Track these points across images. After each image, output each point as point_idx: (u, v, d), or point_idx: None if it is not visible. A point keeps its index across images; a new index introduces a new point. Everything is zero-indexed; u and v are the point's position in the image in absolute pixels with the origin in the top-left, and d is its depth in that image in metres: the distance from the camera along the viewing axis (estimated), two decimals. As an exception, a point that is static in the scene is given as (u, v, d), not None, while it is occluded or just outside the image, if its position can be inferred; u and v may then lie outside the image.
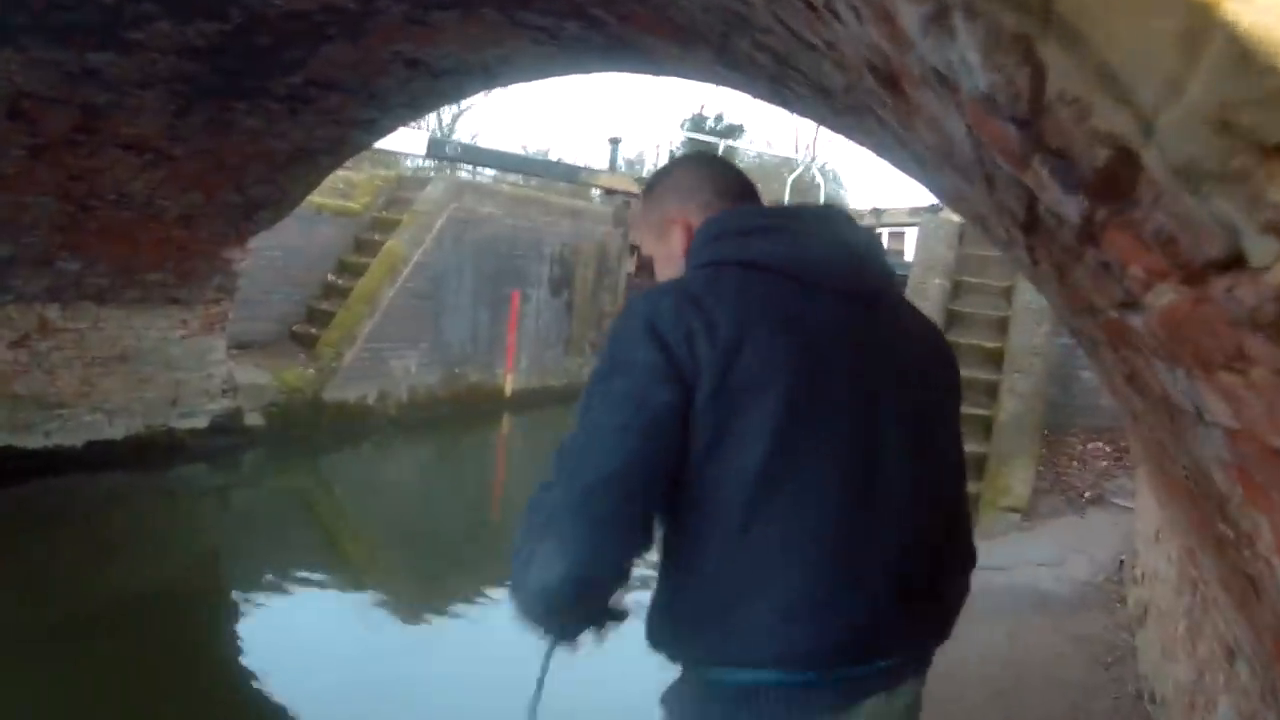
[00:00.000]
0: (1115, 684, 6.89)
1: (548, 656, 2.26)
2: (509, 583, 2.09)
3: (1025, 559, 9.49)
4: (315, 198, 14.60)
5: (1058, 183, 1.41)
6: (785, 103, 5.89)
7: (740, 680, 2.07)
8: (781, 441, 2.01)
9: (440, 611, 9.54)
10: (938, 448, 2.31)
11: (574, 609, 2.09)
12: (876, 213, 23.06)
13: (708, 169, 2.56)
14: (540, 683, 2.31)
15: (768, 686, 2.05)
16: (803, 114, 6.26)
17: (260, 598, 9.35)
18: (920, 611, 2.22)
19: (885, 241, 22.67)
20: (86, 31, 7.49)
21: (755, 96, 6.67)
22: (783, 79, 4.59)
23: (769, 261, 2.19)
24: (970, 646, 7.13)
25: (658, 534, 2.08)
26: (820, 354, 2.09)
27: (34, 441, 11.46)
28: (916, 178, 4.38)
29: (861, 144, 5.55)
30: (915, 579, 2.17)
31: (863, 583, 2.07)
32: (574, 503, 1.95)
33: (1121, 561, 9.20)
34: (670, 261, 2.46)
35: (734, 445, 2.01)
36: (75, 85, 8.28)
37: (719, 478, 2.03)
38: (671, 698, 2.24)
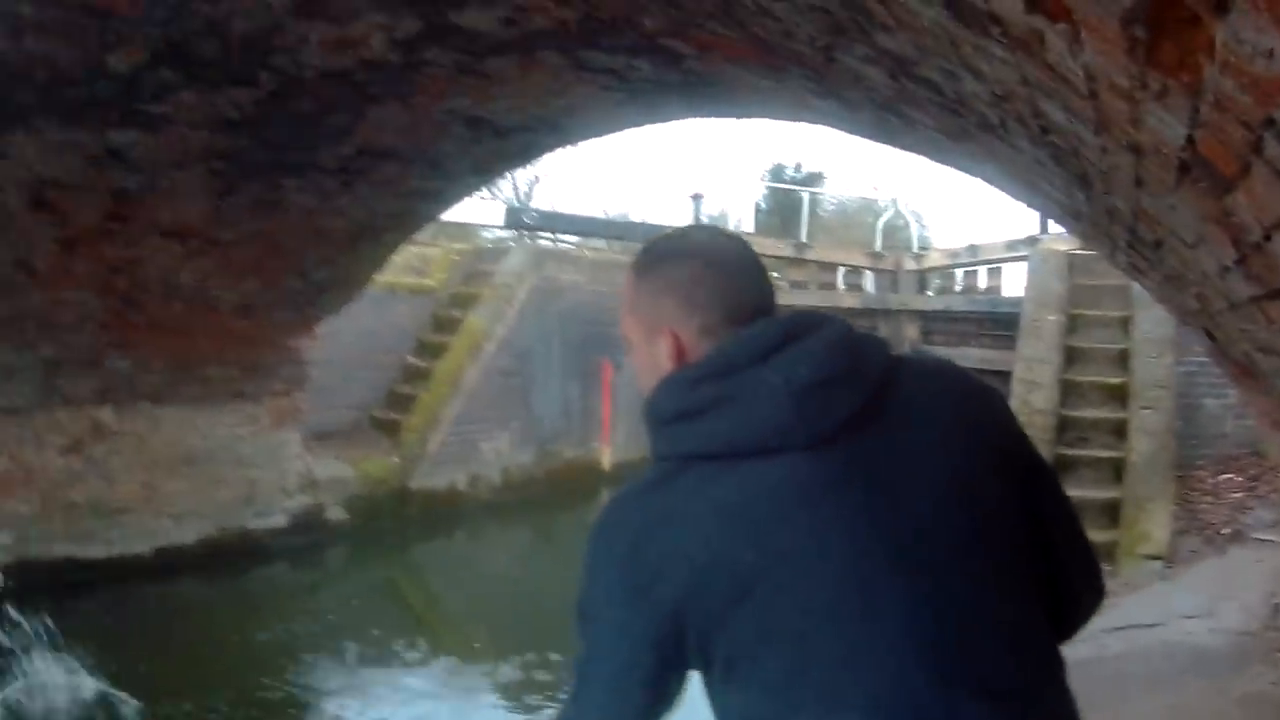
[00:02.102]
0: (1294, 751, 6.24)
1: None
2: None
3: (1173, 612, 8.91)
4: (388, 276, 14.23)
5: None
6: (890, 134, 5.69)
7: None
8: (792, 669, 1.79)
9: (534, 700, 9.29)
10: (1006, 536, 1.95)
11: None
12: (973, 249, 22.44)
13: (722, 274, 2.07)
14: None
15: None
16: (909, 146, 6.01)
17: (355, 699, 9.08)
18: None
19: (984, 279, 22.14)
20: (104, 108, 7.02)
21: (853, 130, 6.51)
22: (897, 101, 4.35)
23: (724, 448, 1.88)
24: None
25: None
26: (810, 536, 1.82)
27: (96, 551, 10.98)
28: (1051, 207, 4.51)
29: (979, 173, 5.64)
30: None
31: None
32: None
33: (1277, 606, 8.57)
34: (653, 372, 2.05)
35: (754, 663, 1.82)
36: (101, 169, 7.81)
37: (744, 701, 1.83)
38: None
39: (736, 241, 2.22)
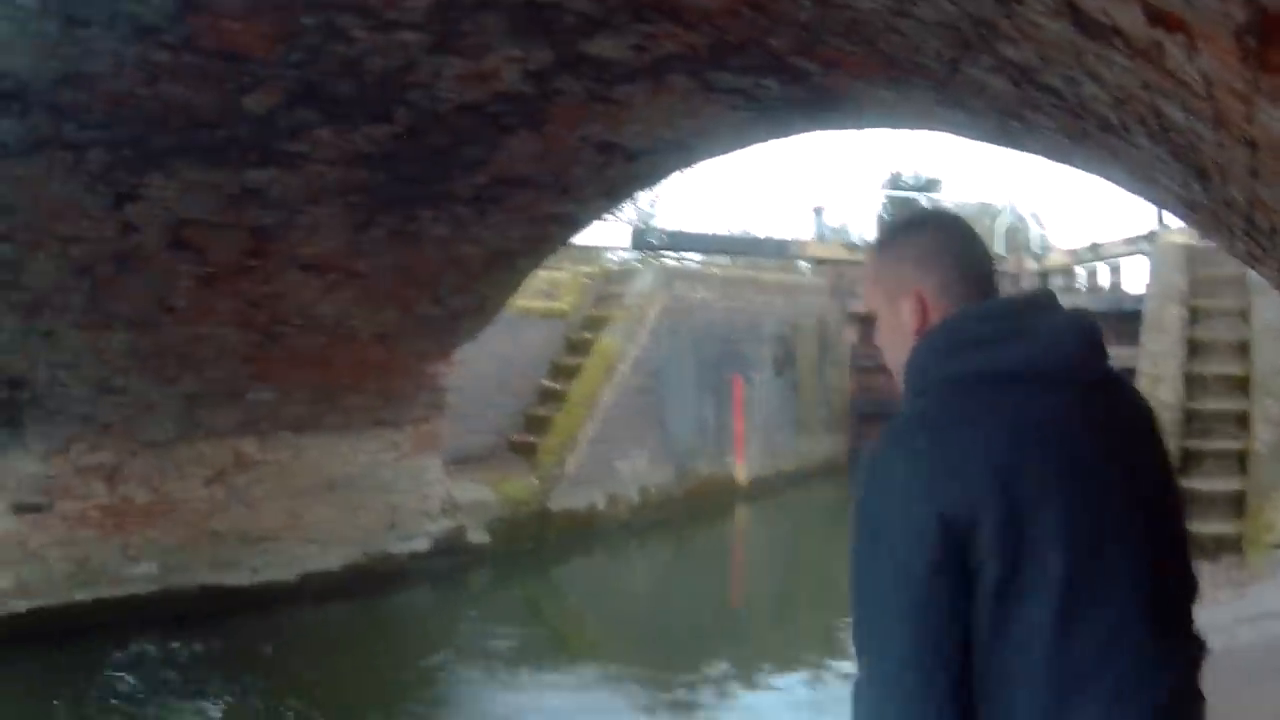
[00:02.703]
0: None
1: None
2: None
3: None
4: (520, 301, 14.24)
5: None
6: (1011, 138, 5.78)
7: None
8: (1075, 573, 1.97)
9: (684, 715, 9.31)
10: (1176, 529, 2.25)
11: None
12: (1094, 247, 22.22)
13: (953, 238, 2.40)
14: None
15: None
16: (1030, 148, 6.03)
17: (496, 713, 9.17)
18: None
19: (1105, 276, 22.02)
20: (241, 148, 7.14)
21: (975, 137, 6.53)
22: (1019, 107, 4.43)
23: (1019, 369, 2.13)
24: (1266, 709, 6.43)
25: None
26: (1085, 460, 2.07)
27: (240, 578, 11.14)
28: (1170, 200, 4.59)
29: (1099, 171, 5.63)
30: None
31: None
32: (886, 695, 1.95)
33: None
34: (897, 333, 2.34)
35: (1027, 589, 1.95)
36: (239, 207, 7.93)
37: (1014, 628, 1.96)
38: None
39: (958, 215, 2.59)
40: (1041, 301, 2.33)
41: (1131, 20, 2.03)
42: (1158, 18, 1.88)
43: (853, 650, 2.05)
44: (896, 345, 2.35)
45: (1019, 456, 2.00)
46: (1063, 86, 3.44)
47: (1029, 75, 3.61)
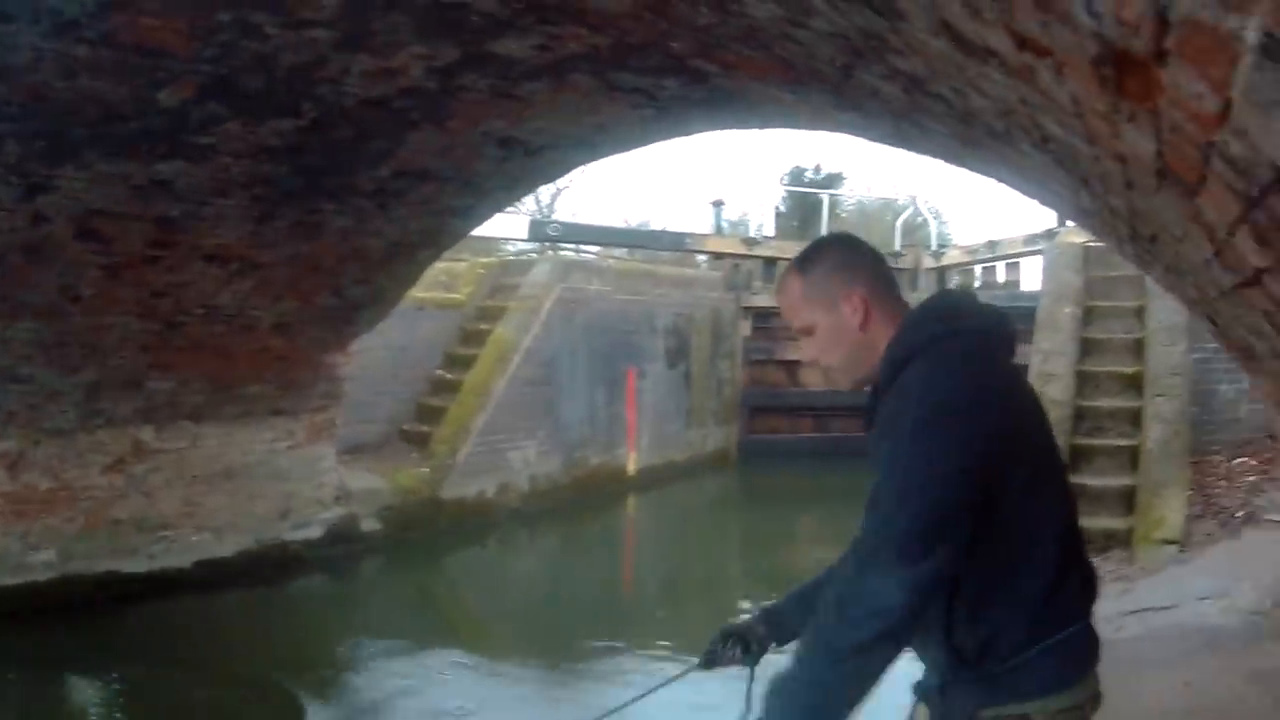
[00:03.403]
0: (1309, 726, 6.27)
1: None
2: (838, 607, 2.41)
3: (1188, 594, 8.89)
4: (417, 292, 14.23)
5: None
6: (907, 141, 5.89)
7: None
8: (1044, 475, 2.60)
9: (576, 703, 9.20)
10: None
11: (905, 636, 2.40)
12: (991, 245, 22.52)
13: (859, 248, 2.89)
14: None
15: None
16: (926, 151, 6.11)
17: (392, 706, 9.06)
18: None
19: (1003, 273, 22.34)
20: (152, 140, 7.12)
21: (872, 138, 6.60)
22: (911, 112, 4.55)
23: (995, 329, 2.72)
24: (1150, 700, 6.67)
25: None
26: (1027, 400, 2.71)
27: (138, 565, 11.14)
28: (1062, 205, 4.90)
29: (993, 174, 5.79)
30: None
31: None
32: (903, 533, 2.33)
33: None
34: (842, 335, 2.73)
35: (1024, 488, 2.48)
36: (147, 199, 7.89)
37: (1018, 517, 2.49)
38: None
39: (846, 233, 3.28)
40: (972, 293, 2.87)
41: (1002, 43, 2.24)
42: (1025, 43, 2.09)
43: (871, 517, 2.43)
44: (841, 347, 2.75)
45: (1028, 399, 2.68)
46: (951, 96, 3.60)
47: (919, 84, 3.77)
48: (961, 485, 2.35)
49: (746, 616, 3.21)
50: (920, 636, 2.57)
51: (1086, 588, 2.68)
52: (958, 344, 2.58)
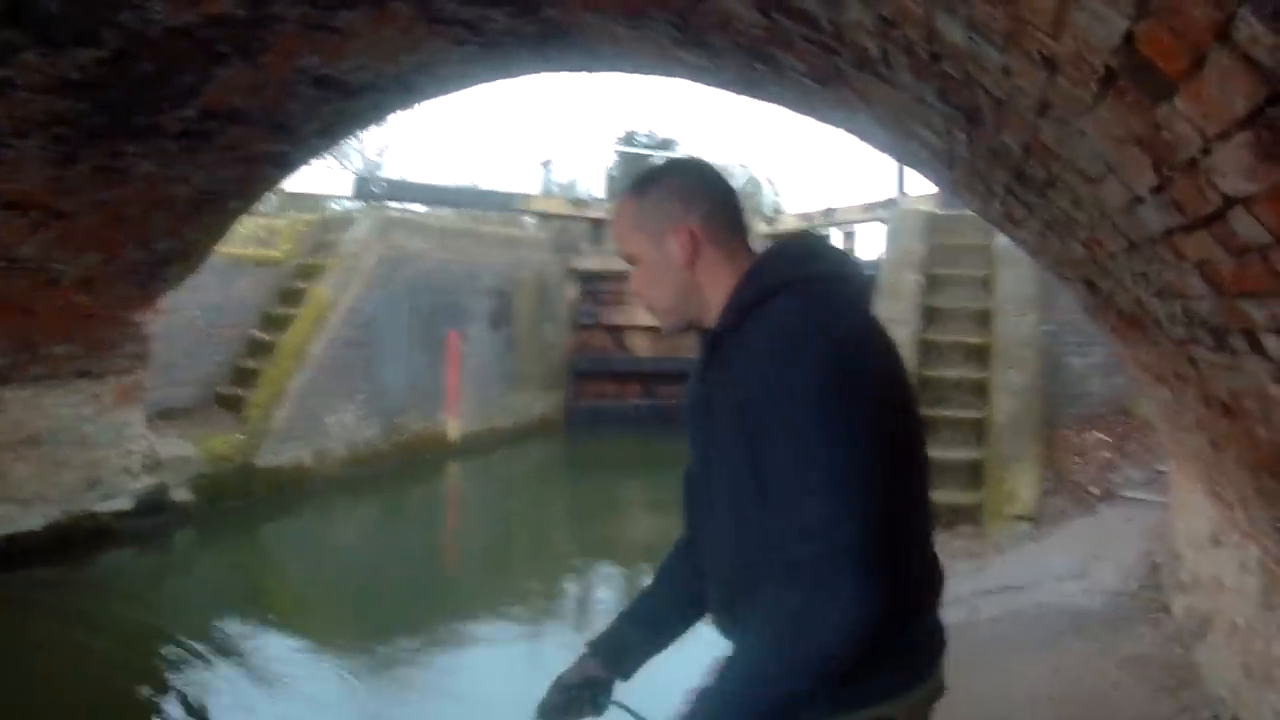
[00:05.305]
0: (1187, 713, 6.19)
1: None
2: (773, 644, 2.13)
3: (1047, 573, 8.95)
4: (233, 248, 14.01)
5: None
6: (755, 85, 5.72)
7: None
8: (913, 445, 2.41)
9: (400, 675, 9.30)
10: None
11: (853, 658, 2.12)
12: (829, 213, 22.72)
13: (707, 176, 2.66)
14: None
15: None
16: (773, 97, 6.01)
17: (202, 685, 8.80)
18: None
19: (839, 242, 22.52)
20: None
21: (716, 83, 6.41)
22: (766, 45, 4.36)
23: (855, 274, 2.56)
24: (1016, 687, 6.61)
25: None
26: (897, 358, 2.45)
27: (-60, 539, 10.59)
28: (923, 153, 4.65)
29: (846, 122, 5.67)
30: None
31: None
32: (852, 546, 2.05)
33: (1154, 564, 8.61)
34: (665, 272, 2.54)
35: (897, 461, 2.24)
36: None
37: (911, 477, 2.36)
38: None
39: (701, 158, 2.92)
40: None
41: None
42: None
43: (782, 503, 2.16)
44: (664, 284, 2.55)
45: (892, 355, 2.40)
46: (819, 12, 3.40)
47: (782, 1, 3.58)
48: (881, 454, 2.15)
49: (576, 660, 2.85)
50: (739, 627, 2.39)
51: (937, 578, 2.51)
52: (829, 287, 2.41)
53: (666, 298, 2.55)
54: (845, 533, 2.04)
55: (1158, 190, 2.31)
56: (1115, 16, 1.69)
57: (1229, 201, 1.94)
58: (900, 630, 2.23)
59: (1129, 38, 1.71)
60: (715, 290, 2.48)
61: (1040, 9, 1.98)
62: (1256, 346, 2.58)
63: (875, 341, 2.35)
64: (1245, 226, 1.97)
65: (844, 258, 2.61)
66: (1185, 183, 2.10)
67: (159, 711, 8.19)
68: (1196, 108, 1.73)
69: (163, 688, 8.67)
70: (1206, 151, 1.84)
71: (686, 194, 2.55)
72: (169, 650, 9.55)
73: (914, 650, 2.38)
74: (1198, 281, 2.63)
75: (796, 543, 2.09)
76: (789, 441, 2.14)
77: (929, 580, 2.46)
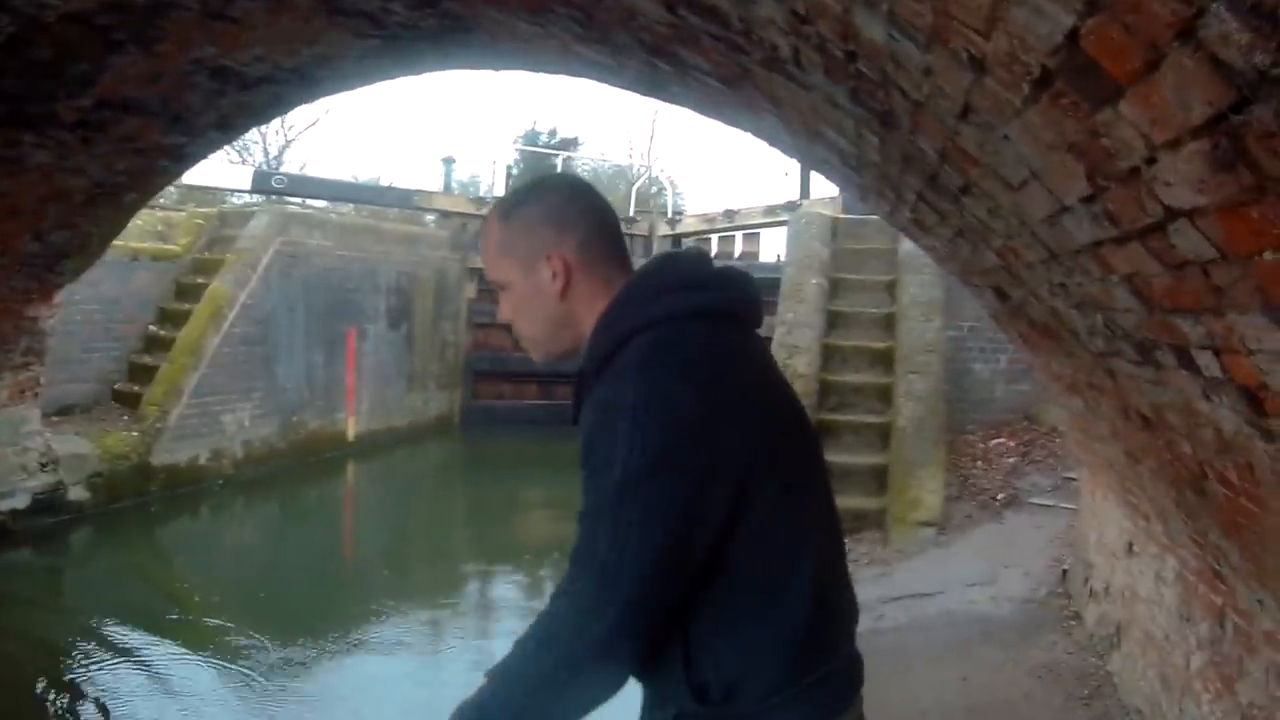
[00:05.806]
0: (1101, 721, 6.24)
1: None
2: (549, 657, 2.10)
3: (954, 580, 8.98)
4: (131, 241, 13.84)
5: None
6: (658, 85, 5.63)
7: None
8: (800, 482, 2.29)
9: (298, 675, 9.27)
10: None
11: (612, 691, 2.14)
12: (729, 214, 22.78)
13: (582, 197, 2.48)
14: None
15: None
16: (676, 97, 5.95)
17: (107, 681, 8.77)
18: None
19: (740, 244, 22.56)
20: None
21: (619, 84, 6.41)
22: (671, 43, 4.28)
23: (736, 300, 2.37)
24: (925, 696, 6.62)
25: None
26: (777, 393, 2.37)
27: None
28: (829, 157, 4.54)
29: (750, 124, 5.60)
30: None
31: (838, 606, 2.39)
32: (623, 623, 2.03)
33: (1064, 572, 8.66)
34: (536, 299, 2.39)
35: (775, 504, 2.16)
36: None
37: (770, 541, 2.18)
38: None
39: (575, 174, 2.69)
40: (708, 256, 2.58)
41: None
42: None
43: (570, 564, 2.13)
44: (535, 314, 2.41)
45: (768, 394, 2.30)
46: (730, 9, 3.28)
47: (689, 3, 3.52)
48: (692, 535, 2.06)
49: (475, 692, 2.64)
50: (648, 668, 2.26)
51: (850, 610, 2.45)
52: (687, 330, 2.22)
53: (537, 328, 2.43)
54: (623, 592, 2.01)
55: (1089, 200, 2.21)
56: (1060, 12, 1.57)
57: (1171, 214, 1.87)
58: (811, 669, 2.20)
59: (1073, 35, 1.60)
60: (591, 320, 2.33)
61: (972, 5, 1.86)
62: (1187, 362, 2.54)
63: (734, 384, 2.18)
64: (1187, 240, 1.92)
65: (717, 282, 2.39)
66: (1122, 193, 2.00)
67: (58, 713, 8.11)
68: (1144, 113, 1.64)
69: (61, 689, 8.58)
70: (1151, 160, 1.75)
71: (559, 217, 2.38)
72: (67, 652, 9.45)
73: (829, 688, 2.26)
74: (1125, 294, 2.57)
75: (580, 582, 2.09)
76: (591, 512, 2.09)
77: (841, 616, 2.38)
